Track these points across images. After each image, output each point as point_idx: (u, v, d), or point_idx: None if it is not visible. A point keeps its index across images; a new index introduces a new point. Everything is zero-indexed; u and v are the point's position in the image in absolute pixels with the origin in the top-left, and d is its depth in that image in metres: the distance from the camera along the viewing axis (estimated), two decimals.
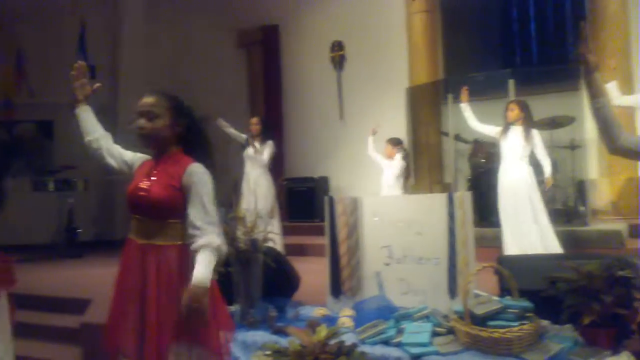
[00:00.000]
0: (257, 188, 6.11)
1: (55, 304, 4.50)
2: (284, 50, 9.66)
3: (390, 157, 6.42)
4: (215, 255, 2.06)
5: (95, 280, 5.08)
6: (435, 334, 2.91)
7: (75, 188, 7.74)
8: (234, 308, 3.53)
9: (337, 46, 9.03)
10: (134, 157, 2.35)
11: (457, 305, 3.05)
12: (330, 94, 9.04)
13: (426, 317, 3.09)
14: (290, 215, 8.40)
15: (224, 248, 2.12)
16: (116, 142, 2.43)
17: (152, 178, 2.17)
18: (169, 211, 2.13)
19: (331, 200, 3.88)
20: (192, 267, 2.12)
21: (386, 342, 2.91)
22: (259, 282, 3.52)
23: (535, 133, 5.06)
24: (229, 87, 9.88)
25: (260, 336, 3.15)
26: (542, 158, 5.05)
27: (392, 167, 6.36)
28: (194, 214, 2.09)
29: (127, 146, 2.42)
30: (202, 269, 2.02)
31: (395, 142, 6.52)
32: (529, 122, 5.09)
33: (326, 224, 3.85)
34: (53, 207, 7.63)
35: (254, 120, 6.36)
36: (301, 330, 2.78)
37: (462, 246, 3.42)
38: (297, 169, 9.07)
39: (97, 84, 2.44)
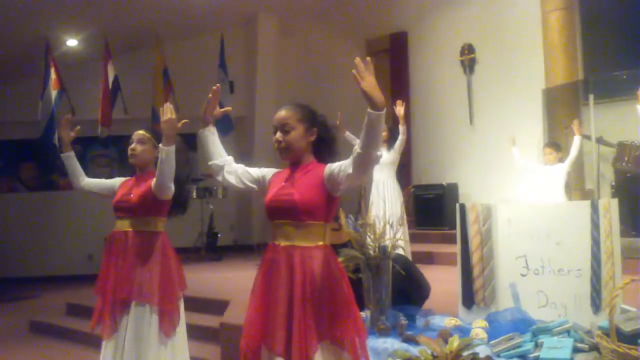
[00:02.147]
0: (386, 194, 6.12)
1: (197, 304, 4.77)
2: (412, 57, 9.63)
3: (551, 162, 6.10)
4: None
5: (233, 282, 5.38)
6: (576, 350, 2.74)
7: (215, 195, 8.28)
8: (364, 314, 3.57)
9: (468, 49, 8.82)
10: (263, 171, 2.43)
11: (602, 320, 2.86)
12: (459, 99, 8.85)
13: (566, 332, 2.92)
14: (418, 222, 8.32)
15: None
16: (254, 152, 2.56)
17: (292, 184, 2.24)
18: (311, 213, 2.19)
19: (462, 207, 3.79)
20: (337, 267, 2.22)
21: (523, 356, 2.80)
22: (389, 288, 3.53)
23: None
24: (358, 96, 9.99)
25: (390, 343, 3.14)
26: None
27: (555, 173, 6.04)
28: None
29: (263, 156, 2.54)
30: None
31: (558, 147, 6.21)
32: None
33: (457, 231, 3.77)
34: (196, 213, 8.20)
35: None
36: (433, 340, 2.75)
37: (608, 257, 3.20)
38: (425, 176, 8.98)
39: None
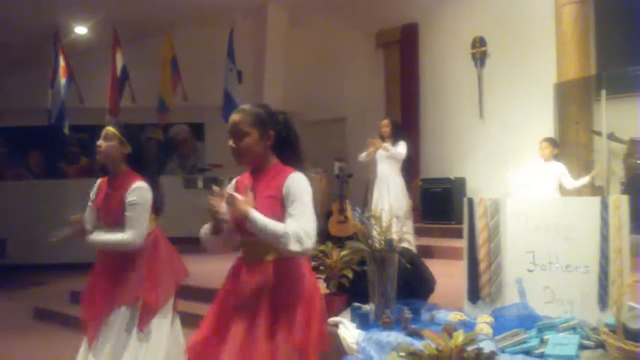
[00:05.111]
0: (391, 189, 6.09)
1: (200, 293, 4.76)
2: (422, 49, 9.53)
3: (545, 157, 6.03)
4: (282, 240, 1.98)
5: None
6: (582, 347, 2.71)
7: (222, 186, 8.24)
8: (369, 307, 3.56)
9: (479, 42, 8.72)
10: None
11: (608, 317, 2.82)
12: (469, 92, 8.77)
13: (572, 329, 2.89)
14: (425, 216, 8.28)
15: (303, 246, 2.00)
16: None
17: (253, 197, 2.14)
18: None
19: (470, 201, 3.75)
20: (298, 279, 2.17)
21: (528, 352, 2.77)
22: (394, 282, 3.51)
23: None
24: (366, 87, 9.98)
25: (394, 337, 3.13)
26: None
27: (548, 171, 5.98)
28: (292, 209, 2.06)
29: None
30: (263, 218, 2.02)
31: (555, 143, 6.14)
32: None
33: (465, 226, 3.73)
34: (202, 204, 8.17)
35: (385, 122, 6.38)
36: (437, 334, 2.72)
37: (616, 254, 3.15)
38: (433, 170, 8.92)
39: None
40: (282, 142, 2.23)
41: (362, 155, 6.30)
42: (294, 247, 1.98)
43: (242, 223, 2.08)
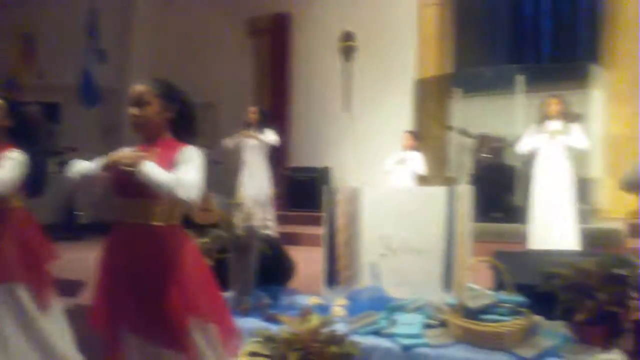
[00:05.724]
0: (256, 176, 6.11)
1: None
2: (293, 39, 9.60)
3: (407, 148, 6.33)
4: (169, 185, 2.01)
5: (92, 263, 5.08)
6: (427, 326, 2.89)
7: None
8: (228, 294, 3.54)
9: (347, 36, 8.93)
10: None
11: (452, 298, 3.03)
12: (338, 85, 8.96)
13: (419, 309, 3.07)
14: (291, 204, 8.39)
15: (189, 193, 2.04)
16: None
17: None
18: None
19: (330, 189, 3.87)
20: (184, 247, 2.17)
21: (378, 333, 2.89)
22: (254, 269, 3.51)
23: (577, 128, 4.97)
24: (237, 75, 9.86)
25: (252, 323, 3.14)
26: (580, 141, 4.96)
27: (411, 160, 6.27)
28: (181, 168, 2.10)
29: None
30: (152, 166, 2.03)
31: (416, 136, 6.46)
32: (568, 117, 5.00)
33: (325, 213, 3.84)
34: (54, 188, 7.63)
35: (252, 109, 6.40)
36: (293, 318, 2.77)
37: (460, 240, 3.40)
38: (301, 159, 9.05)
39: None
40: (180, 119, 2.26)
41: (227, 141, 6.25)
42: (181, 193, 2.01)
43: (126, 183, 2.08)
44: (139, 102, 2.19)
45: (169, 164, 2.12)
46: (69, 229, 7.70)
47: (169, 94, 2.25)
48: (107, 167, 2.08)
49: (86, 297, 4.01)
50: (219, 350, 2.19)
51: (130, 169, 2.00)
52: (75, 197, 7.98)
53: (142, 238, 2.14)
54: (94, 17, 8.58)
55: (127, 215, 2.18)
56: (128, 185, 2.13)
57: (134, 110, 2.19)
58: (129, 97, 2.21)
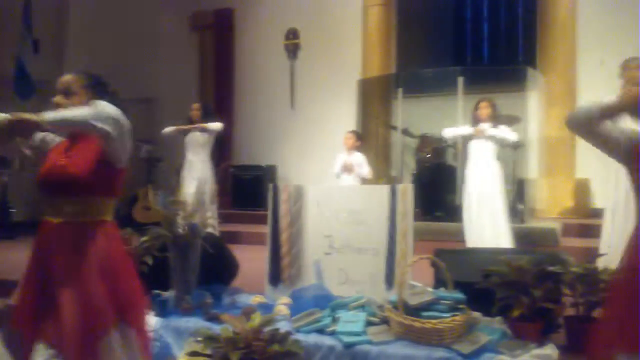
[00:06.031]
0: (199, 174, 6.03)
1: None
2: (237, 35, 9.50)
3: (349, 147, 6.32)
4: (83, 116, 1.95)
5: (25, 262, 4.88)
6: (369, 324, 2.92)
7: (10, 166, 7.42)
8: (169, 294, 3.47)
9: (292, 34, 8.94)
10: (46, 138, 2.25)
11: (394, 295, 3.07)
12: (282, 83, 8.96)
13: (361, 307, 3.10)
14: (235, 202, 8.30)
15: (109, 122, 1.98)
16: None
17: (69, 155, 2.09)
18: (86, 186, 2.06)
19: (275, 187, 3.85)
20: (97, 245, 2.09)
21: (321, 331, 2.90)
22: (196, 268, 3.46)
23: (505, 129, 5.10)
24: (179, 70, 9.66)
25: (193, 323, 3.09)
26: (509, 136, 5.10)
27: (354, 159, 6.27)
28: None
29: None
30: (57, 112, 1.99)
31: (359, 136, 6.46)
32: (498, 120, 5.13)
33: (269, 211, 3.82)
34: None
35: (195, 106, 6.32)
36: (235, 317, 2.74)
37: (402, 238, 3.45)
38: (245, 157, 8.98)
39: None
40: None
41: (167, 130, 6.15)
42: (104, 125, 1.95)
43: (49, 180, 2.05)
44: (66, 91, 2.16)
45: (94, 152, 2.05)
46: (1, 226, 7.37)
47: (98, 87, 2.22)
48: (10, 124, 1.90)
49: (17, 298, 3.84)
50: (137, 353, 2.12)
51: (34, 119, 1.89)
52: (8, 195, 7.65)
53: (58, 237, 2.07)
54: (28, 6, 8.20)
55: (49, 213, 2.12)
56: (50, 183, 2.09)
57: (59, 99, 2.15)
58: (56, 87, 2.17)
